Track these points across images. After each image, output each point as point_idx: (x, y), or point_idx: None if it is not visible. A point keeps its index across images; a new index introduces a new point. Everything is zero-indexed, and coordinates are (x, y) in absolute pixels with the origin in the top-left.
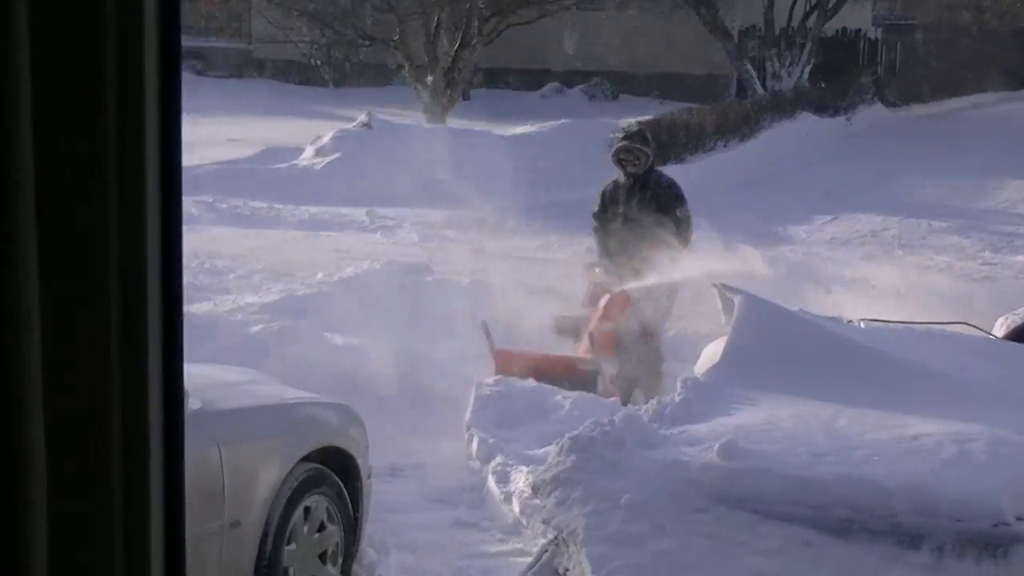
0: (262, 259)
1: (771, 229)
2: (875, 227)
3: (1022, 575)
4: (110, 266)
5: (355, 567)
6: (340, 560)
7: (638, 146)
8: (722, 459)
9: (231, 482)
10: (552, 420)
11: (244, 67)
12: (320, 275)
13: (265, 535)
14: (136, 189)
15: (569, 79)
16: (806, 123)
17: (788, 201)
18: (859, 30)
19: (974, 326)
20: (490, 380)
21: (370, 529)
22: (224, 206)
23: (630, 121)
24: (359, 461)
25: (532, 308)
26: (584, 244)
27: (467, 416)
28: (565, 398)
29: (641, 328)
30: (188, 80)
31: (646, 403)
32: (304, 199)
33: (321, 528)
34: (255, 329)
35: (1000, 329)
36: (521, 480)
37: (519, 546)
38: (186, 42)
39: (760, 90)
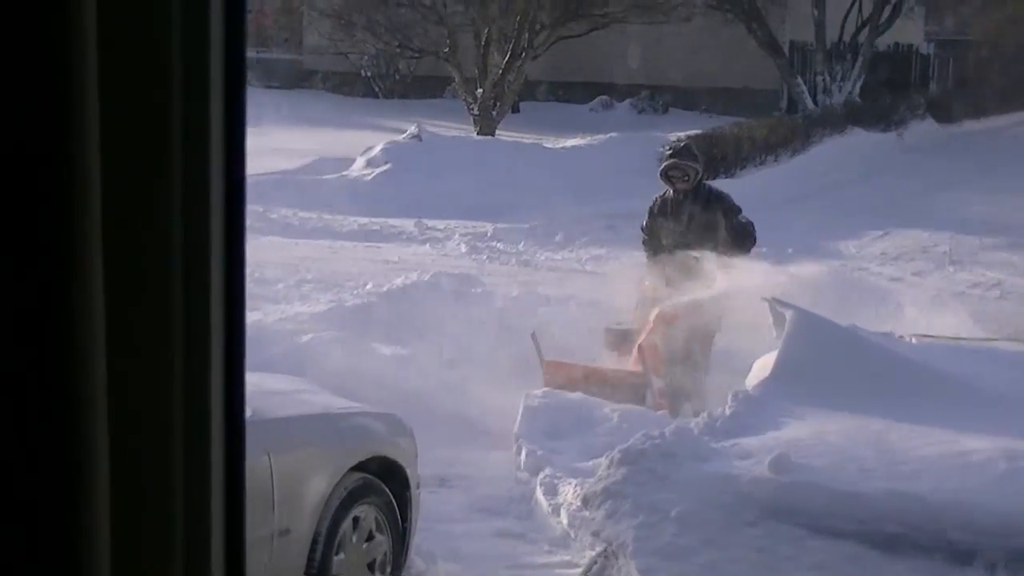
0: (311, 269)
1: (821, 244)
2: (925, 243)
3: None
4: (174, 278)
5: None
6: (388, 570)
7: (687, 162)
8: (773, 473)
9: (281, 490)
10: (600, 432)
11: (295, 79)
12: (369, 285)
13: (314, 544)
14: (200, 199)
15: (618, 93)
16: (857, 138)
17: (838, 216)
18: (911, 45)
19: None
20: (539, 392)
21: (418, 539)
22: (274, 216)
23: (679, 135)
24: (408, 471)
25: (581, 320)
26: (633, 257)
27: (515, 427)
28: (613, 411)
29: (690, 342)
30: None
31: (695, 416)
32: (354, 210)
33: (370, 538)
34: (304, 339)
35: None
36: (569, 492)
37: (567, 558)
38: None
39: (811, 105)
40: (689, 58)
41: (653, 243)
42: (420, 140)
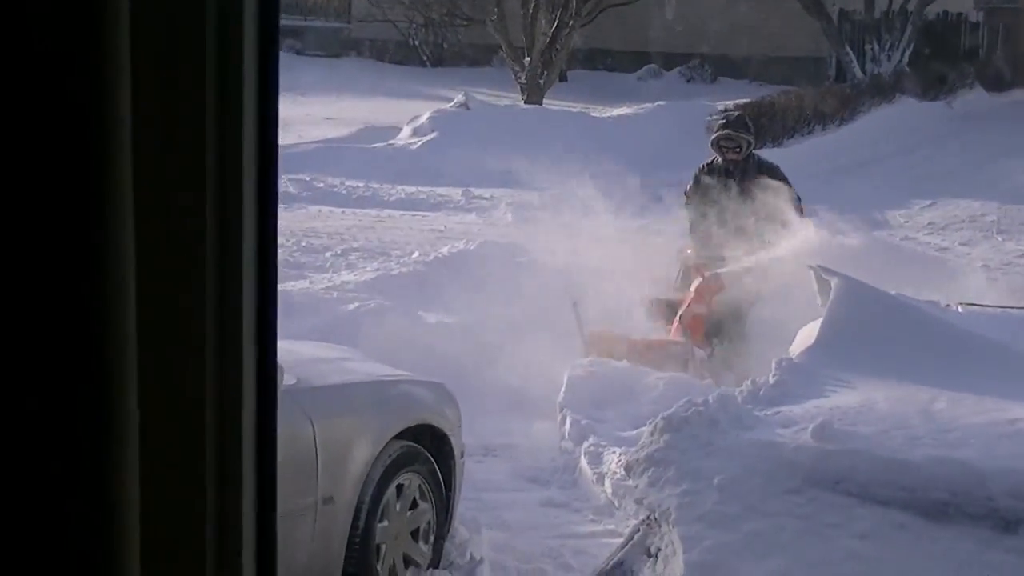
0: (358, 238)
1: (868, 213)
2: (973, 212)
3: None
4: (207, 264)
5: (447, 545)
6: (432, 538)
7: (739, 133)
8: (816, 441)
9: (324, 458)
10: (645, 401)
11: (342, 47)
12: (415, 254)
13: (358, 511)
14: (233, 176)
15: (667, 61)
16: (905, 107)
17: (886, 185)
18: (960, 13)
19: None
20: (584, 361)
21: (462, 508)
22: (321, 185)
23: (727, 104)
24: (452, 440)
25: (627, 289)
26: (680, 226)
27: (560, 397)
28: (659, 379)
29: (733, 311)
30: (287, 60)
31: (739, 386)
32: (400, 178)
33: (414, 506)
34: (351, 307)
35: None
36: (614, 461)
37: (611, 527)
38: (285, 22)
39: (859, 74)
40: (738, 26)
41: (696, 209)
42: (467, 109)
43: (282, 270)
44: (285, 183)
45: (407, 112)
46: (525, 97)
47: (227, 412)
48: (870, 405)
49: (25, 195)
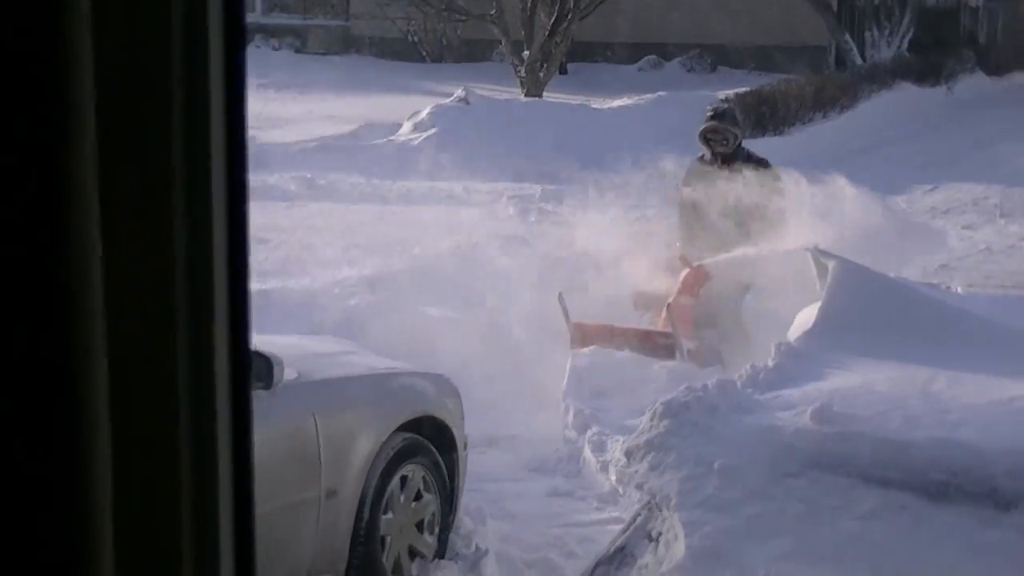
0: (360, 233)
1: None
2: (976, 196)
3: None
4: (177, 266)
5: (452, 536)
6: (437, 529)
7: (726, 126)
8: (816, 423)
9: (327, 451)
10: (649, 390)
11: (342, 44)
12: (417, 249)
13: (362, 504)
14: (202, 176)
15: (666, 52)
16: (906, 93)
17: (888, 171)
18: None
19: None
20: (586, 351)
21: (467, 499)
22: (323, 182)
23: (728, 93)
24: (455, 431)
25: (627, 280)
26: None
27: (563, 387)
28: (662, 368)
29: (721, 302)
30: (287, 58)
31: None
32: (401, 174)
33: (418, 497)
34: (353, 302)
35: None
36: (617, 449)
37: (615, 515)
38: (284, 20)
39: (859, 61)
40: (738, 16)
41: (688, 201)
42: (467, 103)
43: (284, 267)
44: (286, 180)
45: (407, 108)
46: (525, 91)
47: (201, 413)
48: (869, 387)
49: None
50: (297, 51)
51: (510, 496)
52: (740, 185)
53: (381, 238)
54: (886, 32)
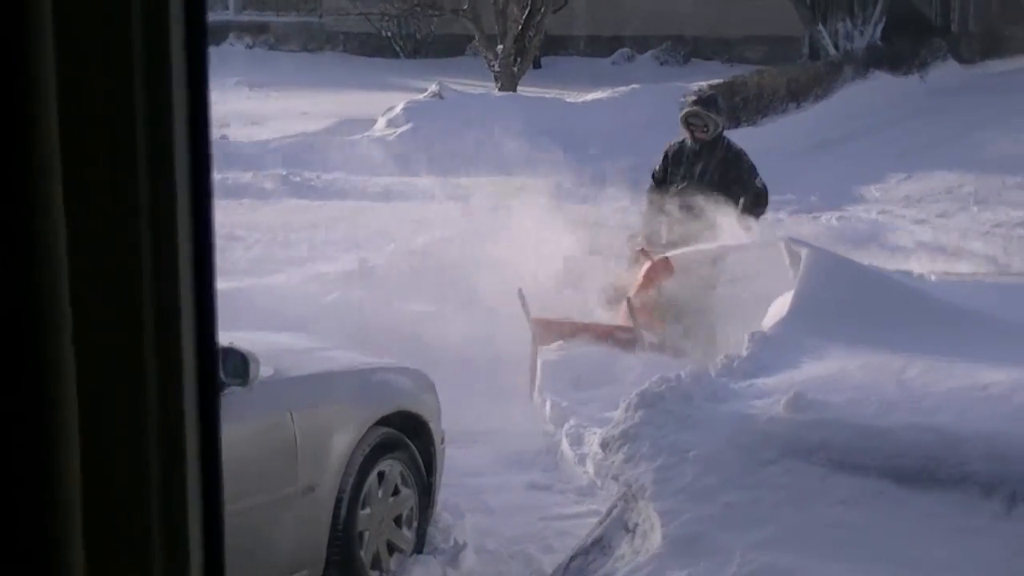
0: (336, 230)
1: (845, 189)
2: (950, 184)
3: None
4: (142, 262)
5: (430, 530)
6: (415, 524)
7: (708, 112)
8: (791, 411)
9: (304, 447)
10: (626, 382)
11: (316, 41)
12: (393, 245)
13: (339, 499)
14: (167, 176)
15: (640, 45)
16: (879, 82)
17: (862, 161)
18: None
19: None
20: (553, 346)
21: (445, 493)
22: (298, 179)
23: (701, 84)
24: (432, 426)
25: (605, 274)
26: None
27: (538, 381)
28: (638, 360)
29: (685, 296)
30: (260, 55)
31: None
32: (377, 170)
33: (396, 492)
34: (329, 298)
35: None
36: (595, 442)
37: (594, 507)
38: (258, 17)
39: (832, 50)
40: (710, 8)
41: (660, 190)
42: (442, 98)
43: (260, 264)
44: (262, 178)
45: (382, 104)
46: (499, 85)
47: (169, 410)
48: (844, 374)
49: None
50: (271, 48)
51: (488, 490)
52: (715, 177)
53: (357, 234)
54: (859, 22)
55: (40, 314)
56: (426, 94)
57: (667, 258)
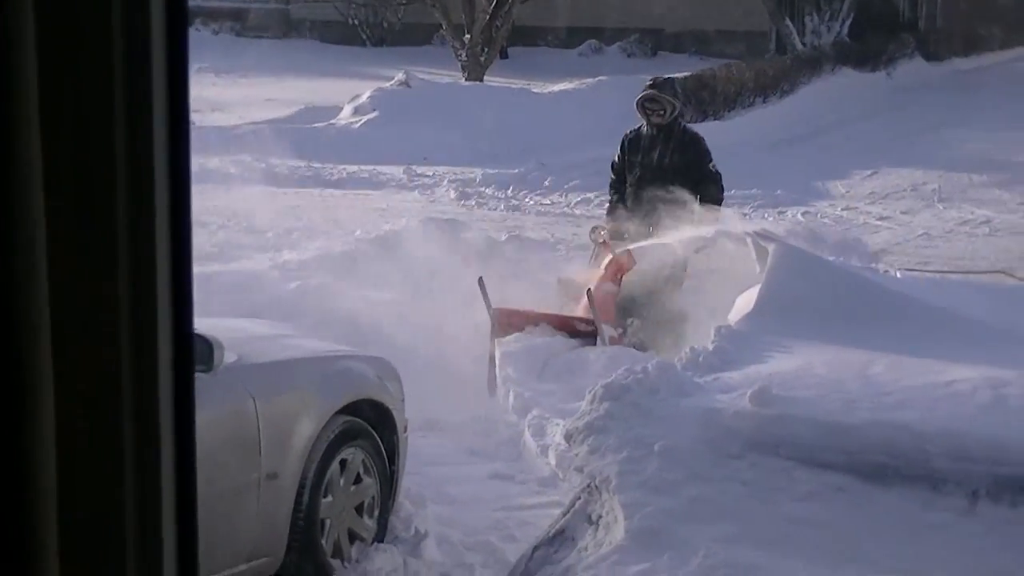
0: (300, 217)
1: (810, 184)
2: (915, 181)
3: None
4: (119, 256)
5: (392, 519)
6: (377, 512)
7: (664, 95)
8: (755, 406)
9: (267, 434)
10: (590, 374)
11: (282, 27)
12: (358, 232)
13: (302, 487)
14: (146, 169)
15: (607, 37)
16: (846, 79)
17: (828, 157)
18: None
19: (1010, 274)
20: (511, 337)
21: (407, 482)
22: (262, 165)
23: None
24: (395, 414)
25: (569, 264)
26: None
27: (501, 371)
28: (603, 352)
29: (646, 289)
30: (226, 41)
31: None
32: (342, 158)
33: (357, 480)
34: (293, 285)
35: None
36: (557, 433)
37: (556, 498)
38: (225, 3)
39: (799, 46)
40: (677, 1)
41: (619, 182)
42: (408, 87)
43: (224, 250)
44: (226, 164)
45: (348, 92)
46: (466, 75)
47: (144, 398)
48: (809, 370)
49: None
50: (237, 34)
51: (450, 480)
52: (675, 162)
53: (321, 221)
54: (826, 17)
55: (18, 304)
56: (393, 82)
57: (629, 251)
